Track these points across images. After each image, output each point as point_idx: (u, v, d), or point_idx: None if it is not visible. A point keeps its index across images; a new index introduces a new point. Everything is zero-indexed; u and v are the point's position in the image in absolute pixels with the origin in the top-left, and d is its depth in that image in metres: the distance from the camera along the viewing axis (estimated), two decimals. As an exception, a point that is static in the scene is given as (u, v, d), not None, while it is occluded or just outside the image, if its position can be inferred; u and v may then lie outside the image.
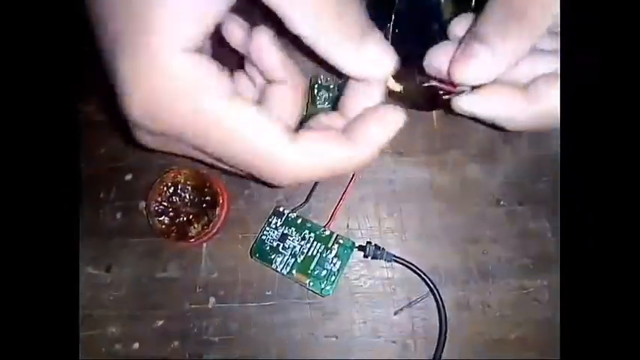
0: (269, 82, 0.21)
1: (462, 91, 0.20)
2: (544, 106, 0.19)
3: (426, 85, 0.22)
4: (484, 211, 0.29)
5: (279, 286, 0.29)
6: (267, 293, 0.29)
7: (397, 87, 0.26)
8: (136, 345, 0.29)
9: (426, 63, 0.21)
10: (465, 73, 0.19)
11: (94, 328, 0.29)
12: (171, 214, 0.29)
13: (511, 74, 0.19)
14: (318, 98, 0.30)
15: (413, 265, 0.28)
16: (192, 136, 0.17)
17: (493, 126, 0.21)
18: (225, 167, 0.20)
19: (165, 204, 0.29)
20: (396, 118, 0.19)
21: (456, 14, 0.22)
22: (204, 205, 0.29)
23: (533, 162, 0.30)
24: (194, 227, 0.29)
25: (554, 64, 0.21)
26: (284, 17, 0.16)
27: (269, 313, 0.28)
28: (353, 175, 0.29)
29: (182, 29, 0.15)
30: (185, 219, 0.29)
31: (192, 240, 0.29)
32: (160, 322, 0.29)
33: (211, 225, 0.28)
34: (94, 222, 0.31)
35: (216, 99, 0.16)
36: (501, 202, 0.29)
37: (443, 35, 0.22)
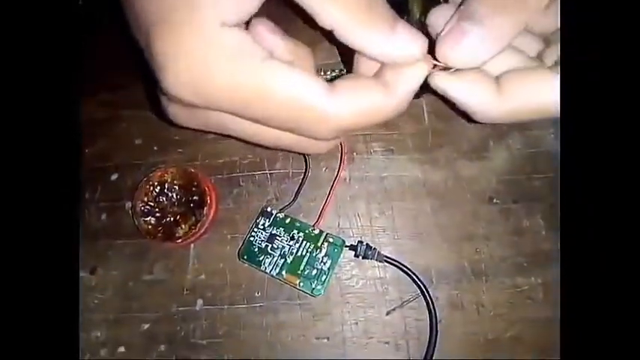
0: None
1: (449, 69, 0.20)
2: (516, 103, 0.20)
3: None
4: (477, 209, 0.29)
5: (269, 287, 0.28)
6: (257, 295, 0.28)
7: None
8: (122, 349, 0.28)
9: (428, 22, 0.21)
10: (453, 54, 0.18)
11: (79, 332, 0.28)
12: (157, 214, 0.29)
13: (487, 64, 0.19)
14: None
15: (404, 265, 0.27)
16: (234, 102, 0.17)
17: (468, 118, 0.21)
18: (258, 137, 0.20)
19: (151, 204, 0.29)
20: (422, 63, 0.19)
21: (425, 12, 0.21)
22: (191, 205, 0.28)
23: (526, 159, 0.29)
24: (181, 228, 0.28)
25: (526, 61, 0.21)
26: (314, 13, 0.17)
27: (258, 314, 0.28)
28: (338, 170, 0.29)
29: (224, 7, 0.16)
30: (172, 219, 0.28)
31: (180, 241, 0.28)
32: (146, 326, 0.28)
33: (199, 225, 0.28)
34: (80, 223, 0.30)
35: (256, 61, 0.17)
36: (495, 200, 0.29)
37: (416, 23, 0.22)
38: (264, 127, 0.19)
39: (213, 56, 0.17)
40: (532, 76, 0.20)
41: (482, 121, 0.21)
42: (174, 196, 0.29)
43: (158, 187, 0.29)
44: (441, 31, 0.19)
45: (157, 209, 0.29)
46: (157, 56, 0.17)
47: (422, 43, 0.18)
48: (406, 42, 0.18)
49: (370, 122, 0.19)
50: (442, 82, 0.20)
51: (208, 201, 0.28)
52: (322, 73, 0.31)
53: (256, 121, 0.19)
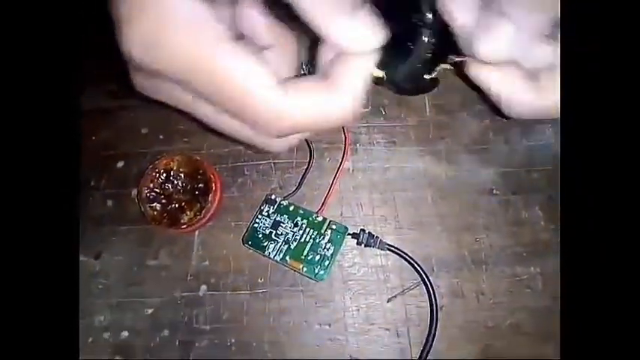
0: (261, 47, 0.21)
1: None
2: (554, 99, 0.19)
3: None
4: (477, 199, 0.29)
5: (272, 274, 0.29)
6: (260, 281, 0.28)
7: (379, 73, 0.26)
8: (125, 334, 0.28)
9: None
10: (483, 48, 0.18)
11: (82, 317, 0.28)
12: (163, 201, 0.29)
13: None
14: None
15: (405, 253, 0.27)
16: (188, 77, 0.17)
17: (494, 108, 0.21)
18: (218, 123, 0.19)
19: (157, 190, 0.29)
20: (365, 62, 0.19)
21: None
22: (196, 192, 0.29)
23: (526, 151, 0.30)
24: (186, 214, 0.28)
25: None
26: None
27: (261, 300, 0.28)
28: (342, 161, 0.29)
29: None
30: (177, 206, 0.29)
31: (184, 227, 0.28)
32: (150, 311, 0.28)
33: (204, 212, 0.28)
34: (85, 209, 0.30)
35: (217, 39, 0.17)
36: (494, 191, 0.29)
37: (426, 21, 0.22)
38: (217, 111, 0.19)
39: (168, 22, 0.16)
40: None
41: (513, 114, 0.20)
42: (180, 183, 0.29)
43: (164, 175, 0.29)
44: (467, 23, 0.18)
45: (162, 196, 0.29)
46: (117, 14, 0.17)
47: (379, 33, 0.18)
48: (365, 28, 0.18)
49: (321, 122, 0.19)
50: (479, 71, 0.19)
51: (213, 188, 0.28)
52: (303, 67, 0.30)
53: (205, 99, 0.18)
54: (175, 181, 0.29)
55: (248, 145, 0.31)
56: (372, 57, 0.19)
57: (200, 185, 0.29)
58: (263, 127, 0.18)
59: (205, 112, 0.19)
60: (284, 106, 0.18)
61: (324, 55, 0.20)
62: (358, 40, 0.18)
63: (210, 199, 0.28)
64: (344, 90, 0.18)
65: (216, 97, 0.18)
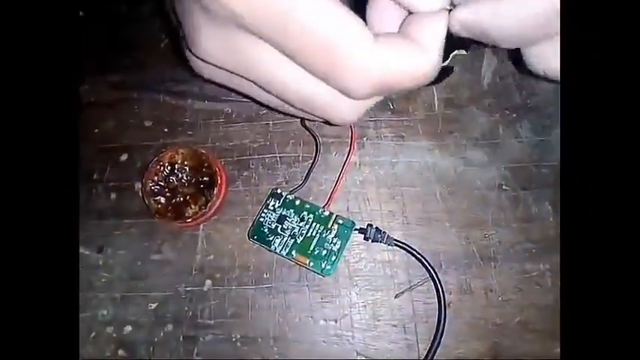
0: None
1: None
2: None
3: None
4: (486, 195, 0.29)
5: (277, 268, 0.28)
6: (265, 276, 0.28)
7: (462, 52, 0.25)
8: (129, 328, 0.28)
9: None
10: None
11: (85, 311, 0.28)
12: (167, 194, 0.28)
13: None
14: None
15: (413, 248, 0.27)
16: (280, 29, 0.17)
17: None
18: (295, 90, 0.19)
19: (161, 184, 0.29)
20: (441, 17, 0.18)
21: None
22: (201, 186, 0.28)
23: (535, 146, 0.30)
24: (191, 208, 0.28)
25: None
26: None
27: (267, 295, 0.28)
28: (348, 154, 0.29)
29: None
30: (182, 199, 0.28)
31: (189, 221, 0.28)
32: (154, 305, 0.28)
33: (209, 206, 0.28)
34: (87, 202, 0.30)
35: None
36: (504, 187, 0.29)
37: None
38: (297, 73, 0.18)
39: None
40: None
41: (504, 45, 0.19)
42: (185, 176, 0.29)
43: (169, 168, 0.29)
44: None
45: (166, 189, 0.29)
46: None
47: None
48: None
49: (405, 80, 0.19)
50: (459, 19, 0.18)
51: (218, 182, 0.28)
52: None
53: (292, 55, 0.18)
54: (180, 175, 0.29)
55: (253, 139, 0.31)
56: (445, 15, 0.18)
57: (205, 179, 0.28)
58: (351, 83, 0.18)
59: (284, 78, 0.19)
60: (375, 61, 0.17)
61: (374, 16, 0.20)
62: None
63: (215, 192, 0.28)
64: (427, 47, 0.18)
65: (306, 51, 0.17)
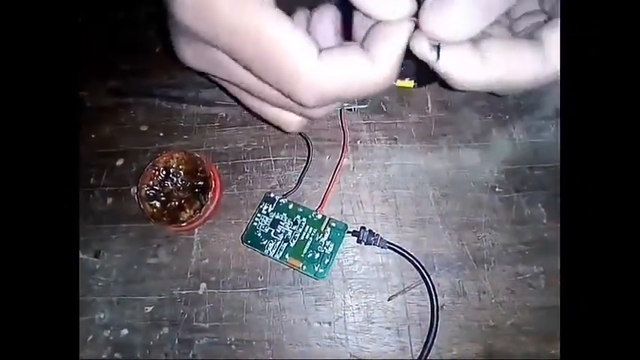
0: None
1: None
2: (499, 73, 0.19)
3: None
4: (480, 197, 0.29)
5: (272, 272, 0.28)
6: (260, 279, 0.28)
7: (409, 84, 0.26)
8: (125, 331, 0.28)
9: None
10: (438, 27, 0.18)
11: (82, 315, 0.28)
12: (162, 198, 0.29)
13: None
14: None
15: (406, 251, 0.27)
16: (233, 41, 0.18)
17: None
18: (259, 93, 0.21)
19: (156, 188, 0.29)
20: (401, 29, 0.19)
21: None
22: (196, 190, 0.29)
23: (529, 148, 0.30)
24: (186, 212, 0.28)
25: (501, 30, 0.23)
26: None
27: (261, 299, 0.28)
28: (341, 157, 0.29)
29: None
30: (177, 204, 0.29)
31: (184, 225, 0.28)
32: (150, 309, 0.28)
33: (203, 210, 0.28)
34: (84, 207, 0.30)
35: (261, 5, 0.17)
36: (497, 189, 0.29)
37: None
38: (257, 81, 0.20)
39: None
40: (517, 46, 0.19)
41: (456, 87, 0.20)
42: (180, 181, 0.29)
43: (164, 172, 0.29)
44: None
45: (162, 193, 0.29)
46: None
47: (410, 3, 0.18)
48: None
49: (354, 90, 0.19)
50: (424, 48, 0.19)
51: (213, 186, 0.28)
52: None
53: (245, 65, 0.19)
54: (175, 179, 0.29)
55: (247, 143, 0.31)
56: (407, 26, 0.19)
57: (200, 183, 0.29)
58: (300, 93, 0.19)
59: (248, 82, 0.20)
60: (319, 74, 0.18)
61: (358, 25, 0.21)
62: (390, 8, 0.18)
63: (209, 196, 0.28)
64: (379, 58, 0.19)
65: (257, 62, 0.18)
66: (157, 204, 0.29)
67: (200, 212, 0.28)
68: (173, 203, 0.29)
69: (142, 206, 0.29)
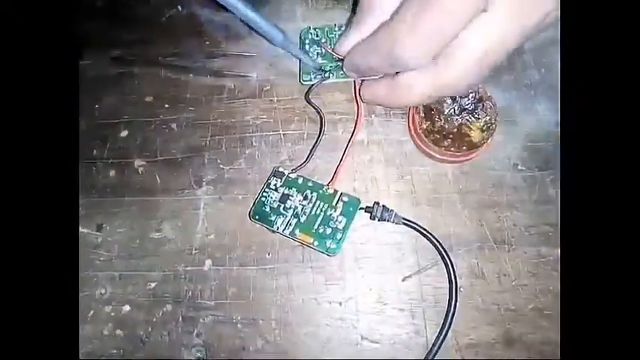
0: None
1: None
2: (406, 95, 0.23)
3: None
4: (501, 175, 0.27)
5: (280, 249, 0.27)
6: (267, 256, 0.27)
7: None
8: (127, 307, 0.27)
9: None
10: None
11: (83, 290, 0.27)
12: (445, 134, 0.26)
13: None
14: (310, 53, 0.29)
15: (422, 227, 0.26)
16: None
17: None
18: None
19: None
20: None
21: None
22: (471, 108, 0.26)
23: (554, 125, 0.28)
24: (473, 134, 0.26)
25: None
26: None
27: (269, 276, 0.27)
28: (354, 131, 0.28)
29: None
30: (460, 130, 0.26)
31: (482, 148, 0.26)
32: (153, 285, 0.27)
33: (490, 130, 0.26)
34: (86, 179, 0.29)
35: None
36: (519, 167, 0.27)
37: None
38: None
39: None
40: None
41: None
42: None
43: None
44: None
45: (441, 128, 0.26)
46: None
47: None
48: None
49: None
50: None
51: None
52: (337, 29, 0.29)
53: None
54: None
55: (256, 116, 0.30)
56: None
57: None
58: None
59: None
60: None
61: None
62: None
63: (488, 109, 0.26)
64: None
65: None
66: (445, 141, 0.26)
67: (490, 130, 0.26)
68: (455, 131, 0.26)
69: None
